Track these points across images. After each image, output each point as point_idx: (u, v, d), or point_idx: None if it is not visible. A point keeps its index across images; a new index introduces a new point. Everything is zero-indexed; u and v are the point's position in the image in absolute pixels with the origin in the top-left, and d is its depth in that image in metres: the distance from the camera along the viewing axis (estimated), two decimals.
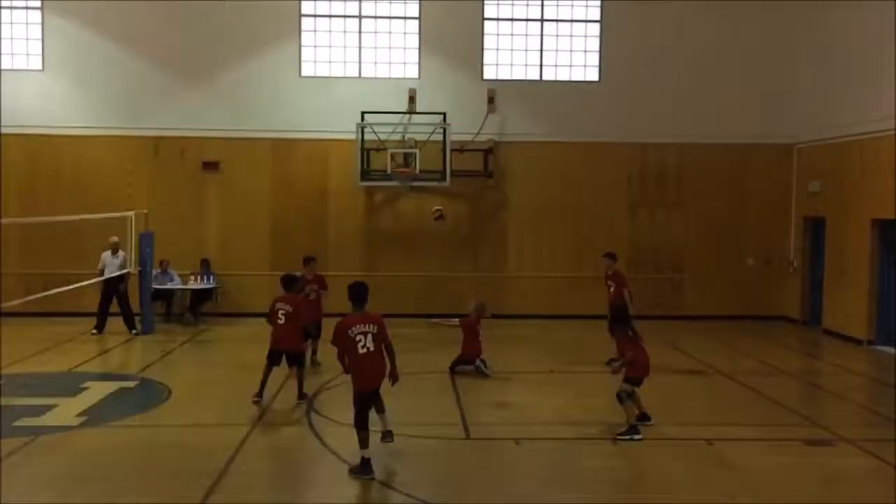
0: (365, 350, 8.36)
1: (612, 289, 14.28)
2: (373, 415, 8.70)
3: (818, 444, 9.76)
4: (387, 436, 8.73)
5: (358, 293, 8.55)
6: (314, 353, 13.74)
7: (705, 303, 19.61)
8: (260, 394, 11.24)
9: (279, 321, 11.27)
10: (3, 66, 18.88)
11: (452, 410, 11.17)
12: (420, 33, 19.42)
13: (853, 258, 16.98)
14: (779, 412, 11.37)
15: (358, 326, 8.37)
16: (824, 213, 18.31)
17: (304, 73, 19.39)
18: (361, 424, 8.44)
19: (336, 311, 10.67)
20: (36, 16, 18.98)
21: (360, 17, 19.47)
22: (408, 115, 18.73)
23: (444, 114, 18.62)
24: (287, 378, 12.01)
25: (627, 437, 9.73)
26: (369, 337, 8.37)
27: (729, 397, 12.28)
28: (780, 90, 19.41)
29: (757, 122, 19.48)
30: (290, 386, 11.87)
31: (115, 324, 16.75)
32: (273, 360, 11.37)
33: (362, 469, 8.38)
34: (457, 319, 13.89)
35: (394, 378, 8.74)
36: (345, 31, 19.46)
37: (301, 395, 11.48)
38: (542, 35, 19.65)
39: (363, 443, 8.41)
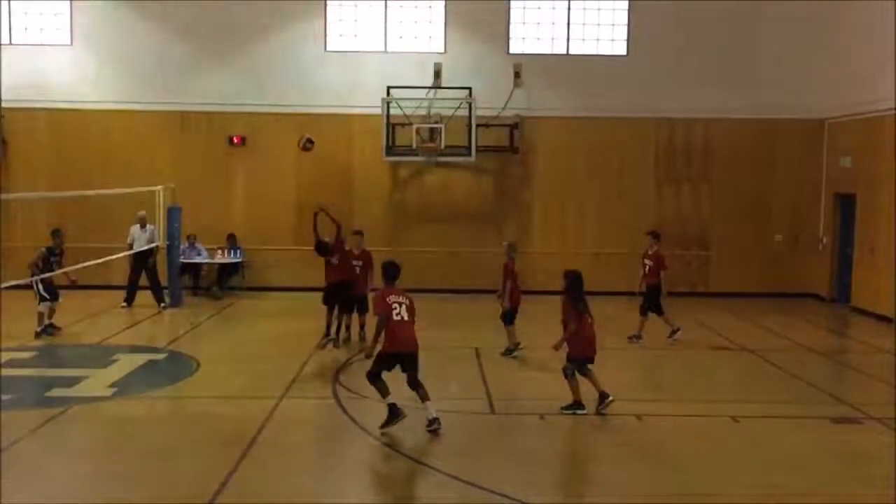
0: (399, 318, 9.02)
1: (647, 268, 14.16)
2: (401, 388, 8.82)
3: (845, 422, 9.71)
4: (433, 423, 8.97)
5: (393, 270, 9.42)
6: (361, 327, 13.83)
7: (732, 280, 19.44)
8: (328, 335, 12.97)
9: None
10: (33, 41, 19.03)
11: (477, 385, 11.23)
12: (445, 7, 19.26)
13: (883, 235, 16.72)
14: (805, 390, 11.30)
15: (394, 297, 9.14)
16: (855, 189, 18.04)
17: (329, 48, 19.35)
18: (376, 378, 8.99)
19: None
20: None
21: None
22: (433, 90, 18.63)
23: (470, 88, 18.51)
24: (312, 353, 12.43)
25: (570, 411, 9.74)
26: (403, 307, 9.09)
27: (755, 374, 12.22)
28: (811, 64, 19.03)
29: (786, 97, 19.12)
30: (317, 360, 12.31)
31: (144, 297, 16.96)
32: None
33: (391, 415, 8.87)
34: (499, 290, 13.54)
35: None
36: (370, 5, 19.36)
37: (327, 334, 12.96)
38: (569, 8, 19.41)
39: (383, 392, 8.97)
